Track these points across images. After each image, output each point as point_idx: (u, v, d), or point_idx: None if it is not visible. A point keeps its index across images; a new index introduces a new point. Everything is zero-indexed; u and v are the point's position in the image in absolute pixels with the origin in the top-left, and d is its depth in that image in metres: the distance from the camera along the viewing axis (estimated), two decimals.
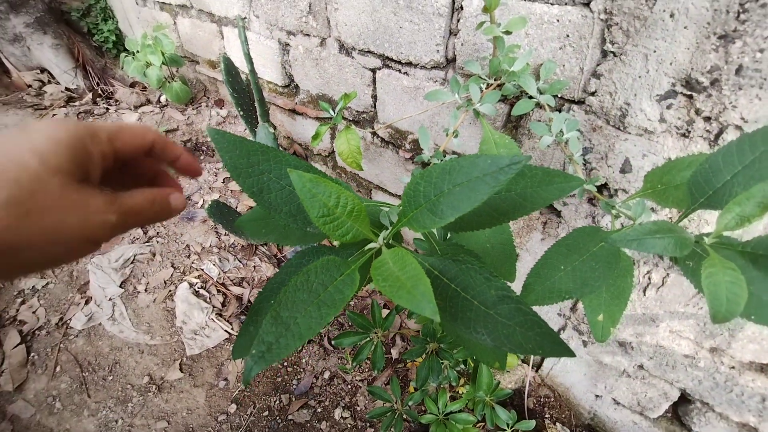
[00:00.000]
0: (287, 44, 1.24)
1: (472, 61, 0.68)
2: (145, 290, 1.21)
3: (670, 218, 0.69)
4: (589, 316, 0.50)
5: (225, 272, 1.26)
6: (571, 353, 0.23)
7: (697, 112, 0.58)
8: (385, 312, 1.14)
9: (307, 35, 1.15)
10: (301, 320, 0.24)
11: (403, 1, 0.85)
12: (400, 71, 0.97)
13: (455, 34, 0.82)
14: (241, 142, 0.31)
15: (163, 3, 1.70)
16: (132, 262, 1.26)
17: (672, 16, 0.54)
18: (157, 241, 1.31)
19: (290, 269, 0.33)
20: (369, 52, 1.01)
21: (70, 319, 1.16)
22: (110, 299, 1.19)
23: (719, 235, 0.37)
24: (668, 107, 0.60)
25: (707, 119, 0.58)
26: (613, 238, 0.36)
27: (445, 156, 0.62)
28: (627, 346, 0.88)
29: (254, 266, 1.29)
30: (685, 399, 0.86)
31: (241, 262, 1.29)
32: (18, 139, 0.22)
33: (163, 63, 1.59)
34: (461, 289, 0.24)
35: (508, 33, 0.60)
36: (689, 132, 0.60)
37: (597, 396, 1.03)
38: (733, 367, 0.75)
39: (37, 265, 0.23)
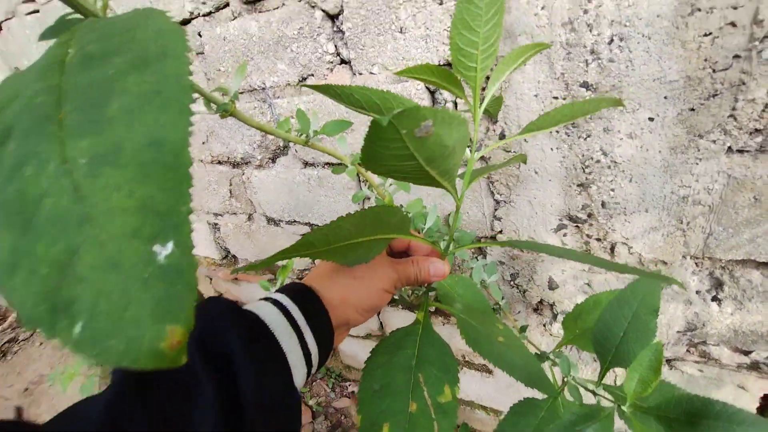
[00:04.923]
0: (216, 224, 1.28)
1: None
2: None
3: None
4: None
5: None
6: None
7: (588, 236, 0.66)
8: None
9: (234, 213, 1.20)
10: None
11: (315, 182, 0.93)
12: None
13: (369, 198, 0.90)
14: None
15: None
16: None
17: (536, 172, 0.65)
18: None
19: None
20: (295, 221, 1.06)
21: None
22: None
23: (633, 402, 0.39)
24: (564, 235, 0.69)
25: (598, 240, 0.66)
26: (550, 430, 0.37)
27: None
28: None
29: None
30: None
31: None
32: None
33: None
34: None
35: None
36: (590, 249, 0.68)
37: None
38: None
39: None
